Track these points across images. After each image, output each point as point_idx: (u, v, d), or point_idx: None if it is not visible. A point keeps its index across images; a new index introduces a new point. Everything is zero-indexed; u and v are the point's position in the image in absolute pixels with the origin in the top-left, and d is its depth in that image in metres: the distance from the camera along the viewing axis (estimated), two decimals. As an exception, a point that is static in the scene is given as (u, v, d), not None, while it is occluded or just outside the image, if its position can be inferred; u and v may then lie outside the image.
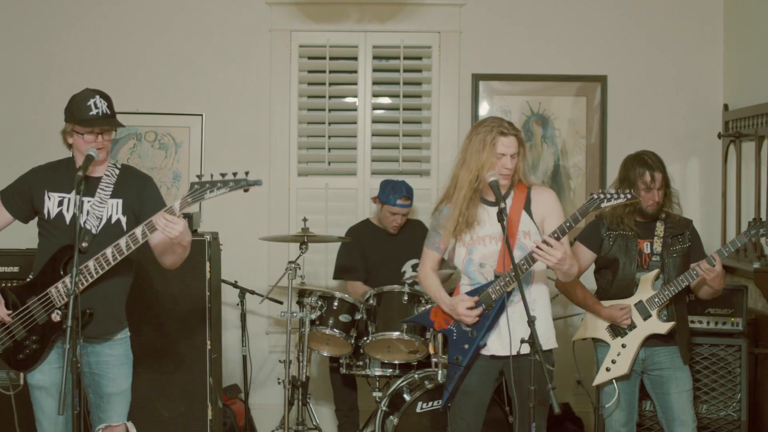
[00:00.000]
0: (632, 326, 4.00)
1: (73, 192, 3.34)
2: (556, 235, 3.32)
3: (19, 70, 5.56)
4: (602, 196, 3.36)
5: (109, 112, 3.47)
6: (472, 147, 3.50)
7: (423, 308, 4.51)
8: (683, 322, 4.06)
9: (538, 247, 3.29)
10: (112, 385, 3.51)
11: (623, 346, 4.01)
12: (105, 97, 3.50)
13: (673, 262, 4.00)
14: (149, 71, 5.57)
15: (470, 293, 3.57)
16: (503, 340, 3.49)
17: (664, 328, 3.96)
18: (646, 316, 3.98)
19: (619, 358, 4.01)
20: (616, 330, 4.03)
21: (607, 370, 4.03)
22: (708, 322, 4.53)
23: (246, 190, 3.24)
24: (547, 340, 3.55)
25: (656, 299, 3.96)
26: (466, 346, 3.55)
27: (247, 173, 3.23)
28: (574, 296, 4.12)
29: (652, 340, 3.99)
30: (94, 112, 3.43)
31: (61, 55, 5.55)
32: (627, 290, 4.03)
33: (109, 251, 3.33)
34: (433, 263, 3.73)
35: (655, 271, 3.99)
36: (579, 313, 4.92)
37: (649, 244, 4.03)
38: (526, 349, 3.30)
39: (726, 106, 5.48)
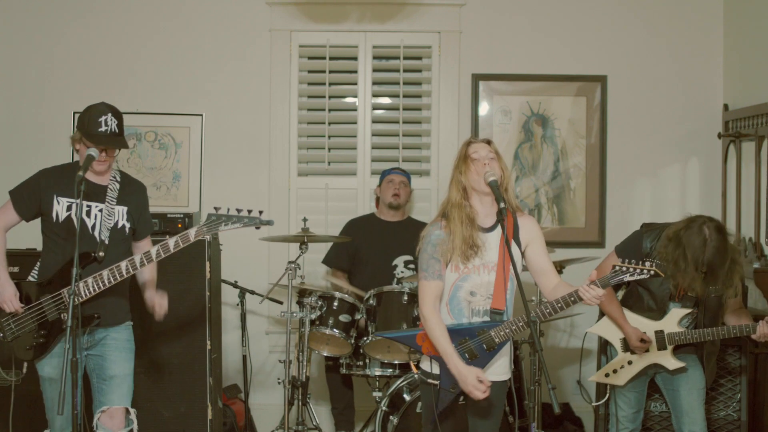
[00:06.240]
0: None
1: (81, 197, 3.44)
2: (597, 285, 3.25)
3: (19, 70, 5.56)
4: (625, 269, 3.21)
5: (117, 131, 3.59)
6: (454, 165, 3.51)
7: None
8: (712, 355, 4.02)
9: (587, 287, 3.24)
10: (114, 368, 3.62)
11: (629, 362, 3.99)
12: (117, 115, 3.63)
13: (709, 302, 3.92)
14: (149, 71, 5.57)
15: (453, 332, 3.35)
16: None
17: (672, 365, 3.92)
18: (662, 347, 3.93)
19: (621, 371, 4.00)
20: (628, 346, 4.01)
21: (606, 375, 4.03)
22: (708, 323, 4.52)
23: (258, 228, 3.50)
24: (504, 371, 3.51)
25: (676, 338, 3.90)
26: None
27: (261, 212, 3.50)
28: (603, 305, 4.04)
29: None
30: (103, 129, 3.56)
31: (61, 55, 5.55)
32: (659, 311, 3.95)
33: (123, 265, 3.50)
34: (435, 297, 3.37)
35: (689, 309, 3.92)
36: (581, 312, 4.92)
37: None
38: (493, 376, 3.40)
39: (726, 106, 5.48)
